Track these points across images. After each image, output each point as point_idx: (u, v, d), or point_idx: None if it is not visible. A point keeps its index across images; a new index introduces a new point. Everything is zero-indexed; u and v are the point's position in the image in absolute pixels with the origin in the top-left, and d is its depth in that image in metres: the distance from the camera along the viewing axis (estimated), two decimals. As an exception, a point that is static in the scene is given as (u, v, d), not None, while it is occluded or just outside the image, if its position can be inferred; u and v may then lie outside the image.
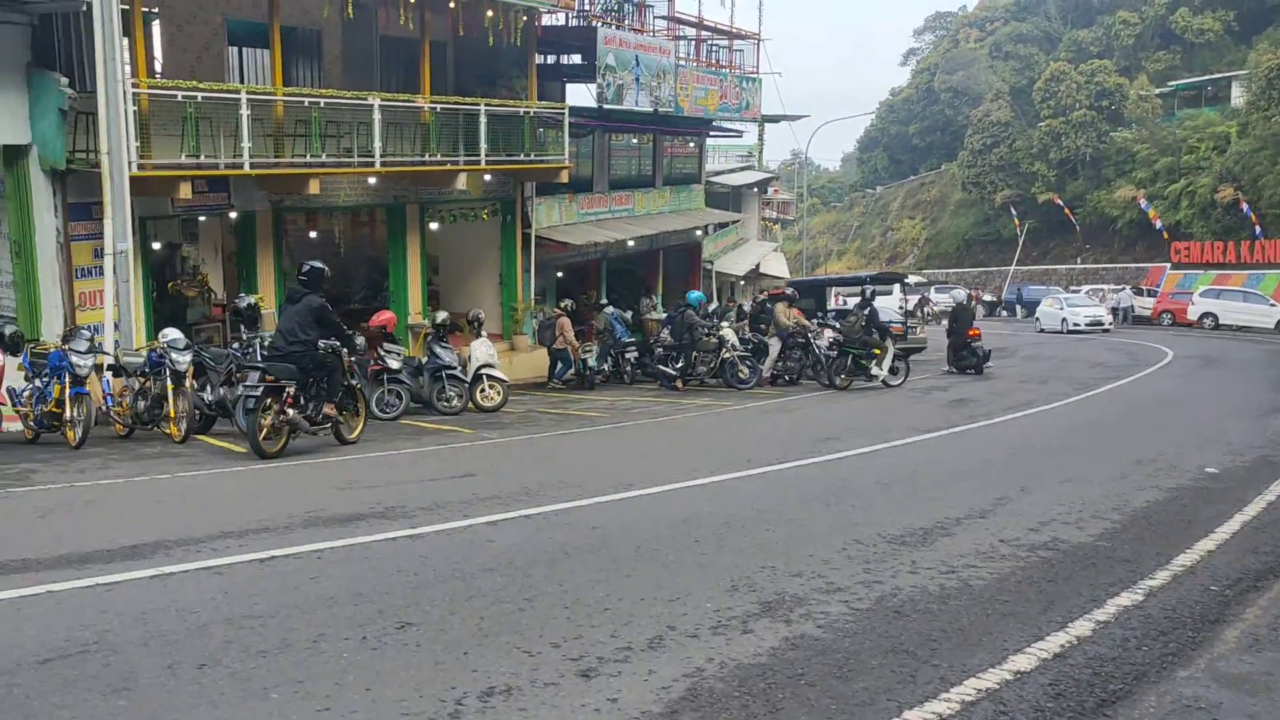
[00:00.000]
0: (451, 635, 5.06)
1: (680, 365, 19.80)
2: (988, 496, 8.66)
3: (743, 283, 33.40)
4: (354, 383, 12.12)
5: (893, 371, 19.38)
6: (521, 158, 20.59)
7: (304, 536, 7.12)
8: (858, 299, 20.59)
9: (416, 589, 5.87)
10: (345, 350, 11.60)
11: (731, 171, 42.35)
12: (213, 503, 8.61)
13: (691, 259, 31.64)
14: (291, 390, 10.94)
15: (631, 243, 26.16)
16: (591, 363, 20.65)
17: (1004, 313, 50.85)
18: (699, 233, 30.78)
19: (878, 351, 19.15)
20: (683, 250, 30.96)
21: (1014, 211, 57.21)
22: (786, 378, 20.22)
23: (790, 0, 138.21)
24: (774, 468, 10.29)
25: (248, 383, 10.84)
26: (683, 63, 27.64)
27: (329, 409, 11.49)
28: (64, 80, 13.93)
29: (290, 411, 10.96)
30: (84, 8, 13.31)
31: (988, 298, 51.56)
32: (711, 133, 32.42)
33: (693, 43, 29.72)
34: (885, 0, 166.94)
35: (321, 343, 11.13)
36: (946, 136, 74.46)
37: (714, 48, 30.81)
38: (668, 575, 6.20)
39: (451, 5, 18.89)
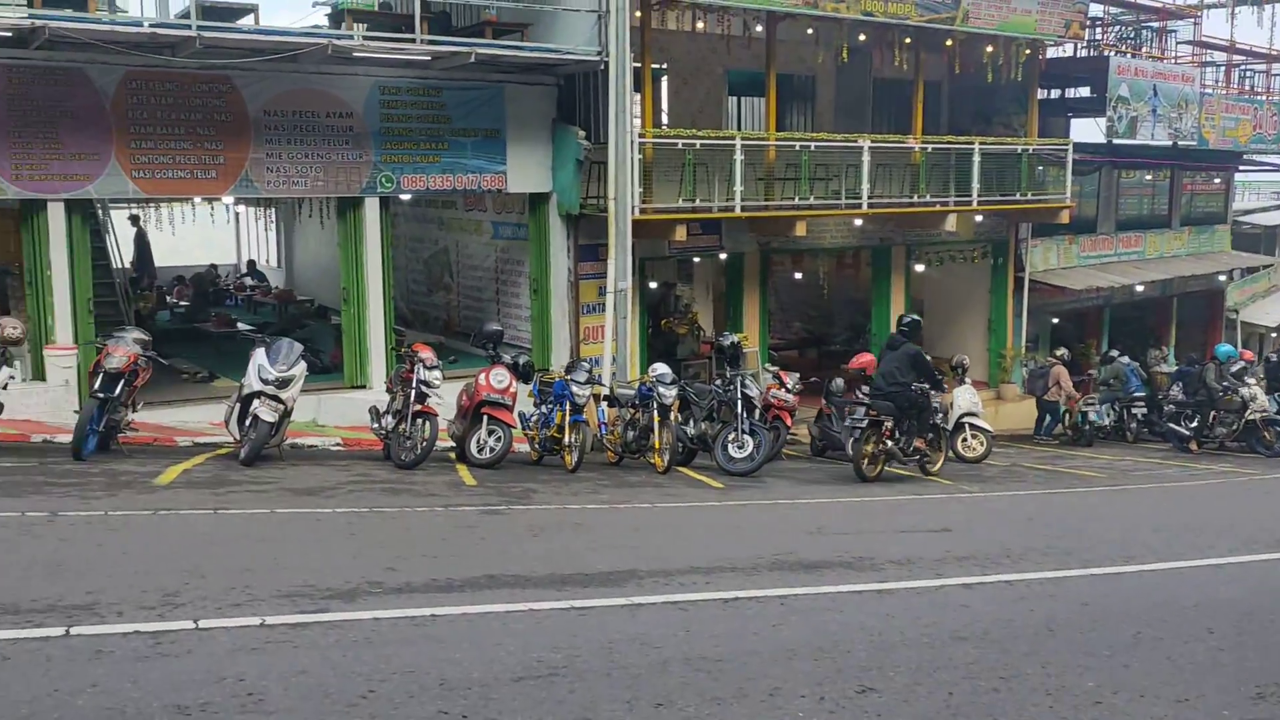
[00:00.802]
0: (916, 708, 4.62)
1: (1195, 425, 17.68)
2: None
3: (1275, 335, 29.34)
4: (939, 421, 13.47)
5: None
6: (1017, 197, 19.52)
7: (769, 580, 6.99)
8: None
9: (881, 650, 5.48)
10: (933, 392, 13.04)
11: (1265, 210, 37.50)
12: (686, 535, 8.78)
13: (1211, 307, 28.31)
14: (889, 425, 12.51)
15: (1140, 288, 23.88)
16: (1093, 417, 19.03)
17: None
18: (1222, 278, 27.49)
19: None
20: (1201, 297, 27.79)
21: None
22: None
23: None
24: (1313, 554, 8.68)
25: (854, 416, 12.71)
26: (1209, 90, 24.89)
27: (919, 443, 12.93)
28: (581, 133, 15.21)
29: (889, 443, 12.57)
30: (602, 68, 14.43)
31: None
32: (1241, 167, 28.89)
33: (1222, 68, 26.69)
34: None
35: (915, 385, 12.61)
36: None
37: (1248, 73, 27.45)
38: (1174, 671, 5.29)
39: (948, 44, 18.38)
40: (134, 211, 21.09)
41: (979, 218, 20.05)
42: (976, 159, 18.48)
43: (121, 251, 18.55)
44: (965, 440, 15.54)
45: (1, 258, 13.52)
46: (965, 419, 15.63)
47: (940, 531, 9.43)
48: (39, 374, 12.48)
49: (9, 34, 11.37)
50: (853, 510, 10.71)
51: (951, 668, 5.22)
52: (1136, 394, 19.47)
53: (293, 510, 8.47)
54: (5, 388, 10.44)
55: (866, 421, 12.45)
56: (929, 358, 13.36)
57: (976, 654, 5.47)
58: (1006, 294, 21.71)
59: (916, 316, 13.82)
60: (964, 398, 15.87)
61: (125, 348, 10.33)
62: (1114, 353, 20.82)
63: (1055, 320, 23.97)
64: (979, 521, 10.30)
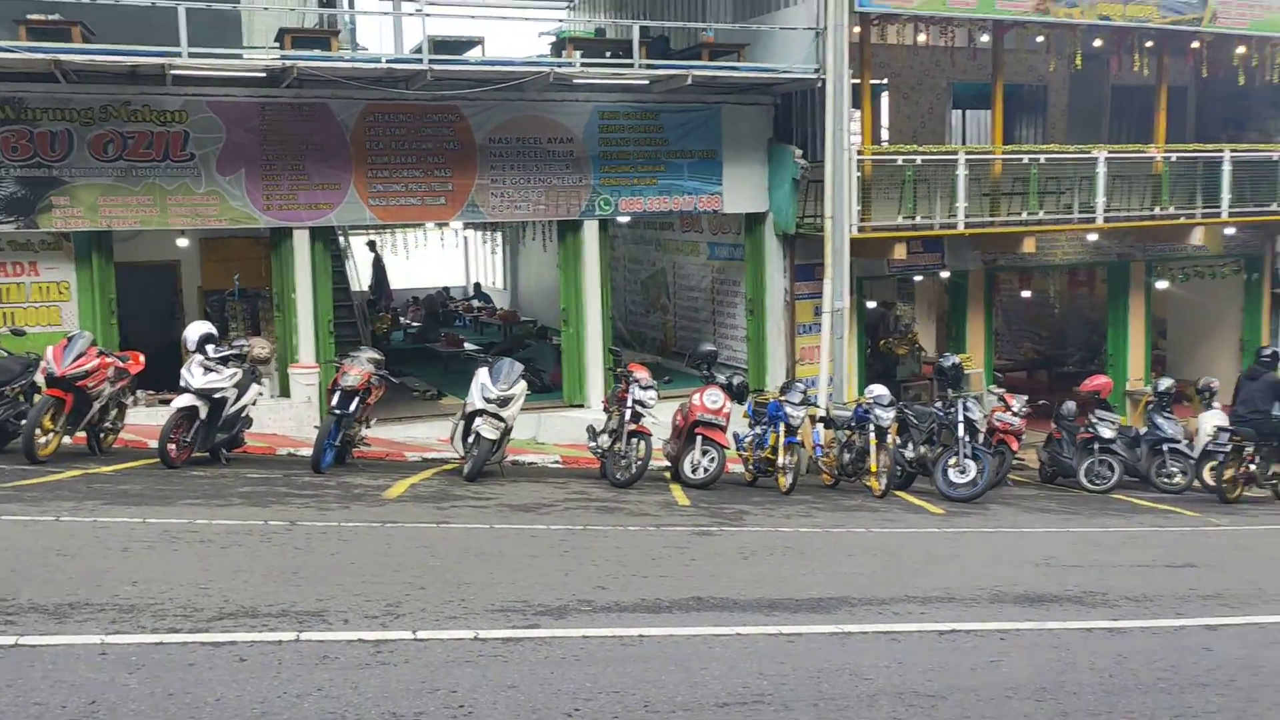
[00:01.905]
0: (1149, 762, 4.27)
1: None
2: None
3: None
4: None
5: None
6: (1274, 208, 18.03)
7: (989, 612, 6.66)
8: None
9: (1110, 694, 5.11)
10: None
11: None
12: (902, 563, 8.49)
13: None
14: (1250, 450, 13.10)
15: None
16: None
17: None
18: None
19: None
20: None
21: None
22: None
23: None
24: None
25: (1218, 440, 13.40)
26: None
27: (1278, 468, 13.63)
28: (798, 152, 15.07)
29: (1252, 468, 13.21)
30: (819, 85, 14.27)
31: None
32: None
33: None
34: None
35: (1275, 413, 13.32)
36: None
37: None
38: None
39: (1195, 46, 17.22)
40: (371, 237, 22.36)
41: (1229, 230, 18.64)
42: (1227, 167, 17.19)
43: (360, 275, 19.69)
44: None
45: (253, 282, 14.61)
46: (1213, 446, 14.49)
47: (1183, 567, 8.76)
48: (285, 391, 13.39)
49: (263, 74, 12.29)
50: (1084, 541, 10.09)
51: (1190, 716, 4.81)
52: None
53: (510, 526, 8.71)
54: (255, 403, 11.23)
55: (1230, 447, 13.14)
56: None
57: (1219, 702, 5.03)
58: (1262, 311, 20.05)
59: (1278, 349, 14.99)
60: (1211, 423, 14.70)
61: (360, 367, 10.93)
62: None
63: (1317, 340, 21.98)
64: (1228, 557, 9.51)
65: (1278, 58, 17.61)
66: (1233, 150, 17.38)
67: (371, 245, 22.90)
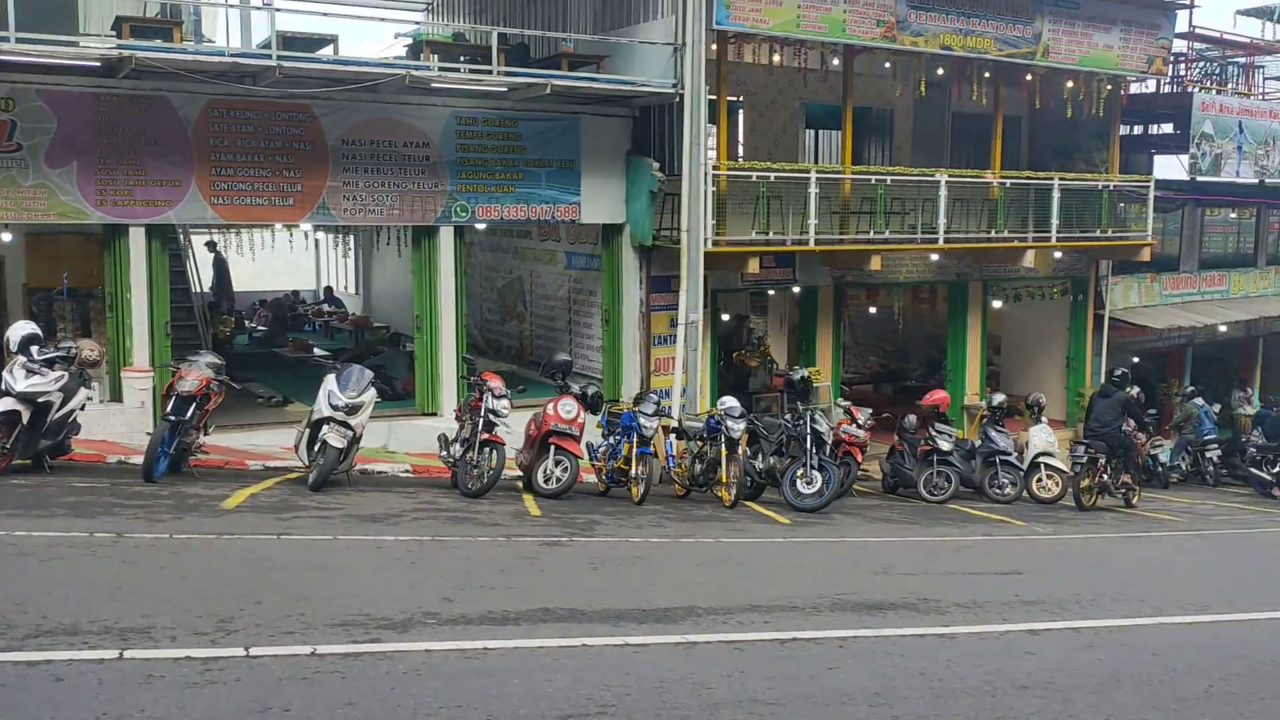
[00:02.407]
0: (975, 764, 4.44)
1: (1277, 470, 17.10)
2: None
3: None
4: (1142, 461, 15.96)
5: None
6: (1098, 234, 19.11)
7: (830, 620, 6.83)
8: None
9: (938, 697, 5.30)
10: (1142, 434, 15.52)
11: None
12: (748, 572, 8.63)
13: (1300, 349, 27.35)
14: (1102, 461, 14.35)
15: (1224, 328, 23.17)
16: (1163, 458, 18.47)
17: None
18: (1311, 319, 26.57)
19: None
20: (1290, 338, 26.88)
21: None
22: None
23: None
24: None
25: (1075, 453, 14.45)
26: (1299, 127, 24.15)
27: (1125, 478, 14.88)
28: (656, 165, 15.20)
29: (1104, 478, 14.46)
30: (677, 100, 14.44)
31: None
32: (1333, 205, 28.02)
33: (1313, 104, 25.87)
34: None
35: (1125, 428, 14.74)
36: None
37: (1341, 108, 26.58)
38: (1253, 733, 5.04)
39: (1028, 78, 18.11)
40: (211, 237, 21.54)
41: (1058, 254, 19.66)
42: (1056, 195, 18.14)
43: (201, 276, 18.96)
44: (1040, 480, 15.14)
45: (84, 281, 13.92)
46: (1040, 459, 15.23)
47: (1010, 574, 9.16)
48: (116, 395, 12.78)
49: (97, 64, 11.73)
50: (921, 550, 10.47)
51: (1012, 718, 5.02)
52: (1208, 437, 18.87)
53: (355, 537, 8.51)
54: (83, 408, 10.68)
55: (1086, 458, 14.24)
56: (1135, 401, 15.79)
57: (1038, 704, 5.27)
58: (1086, 332, 21.21)
59: (1126, 370, 16.06)
60: (1039, 437, 15.48)
61: (198, 371, 10.51)
62: (1190, 389, 20.27)
63: (1136, 359, 23.32)
64: (1050, 565, 9.99)
65: (1102, 92, 18.69)
66: (1061, 179, 18.36)
67: (211, 245, 22.05)
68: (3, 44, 10.88)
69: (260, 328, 22.04)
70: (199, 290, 18.02)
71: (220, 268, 21.85)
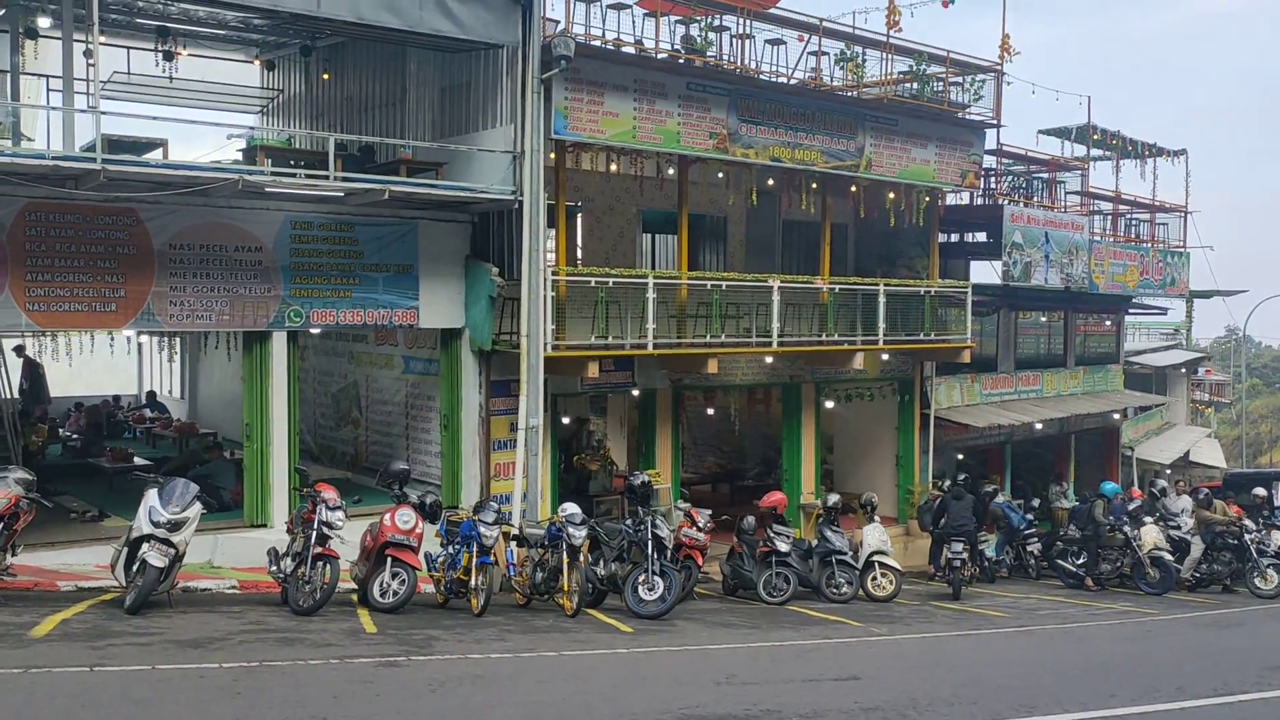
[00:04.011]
0: None
1: (1082, 562, 18.00)
2: None
3: (1169, 471, 30.17)
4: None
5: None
6: (921, 337, 20.05)
7: (674, 738, 6.78)
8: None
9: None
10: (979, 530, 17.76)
11: (1155, 351, 39.06)
12: (591, 688, 8.52)
13: (1108, 444, 29.11)
14: (965, 553, 16.35)
15: (1039, 425, 24.50)
16: (989, 553, 19.22)
17: None
18: (1116, 416, 28.37)
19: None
20: (1098, 434, 28.59)
21: None
22: (1221, 583, 17.78)
23: (1222, 168, 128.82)
24: (1211, 701, 8.69)
25: (954, 548, 16.28)
26: (1098, 238, 26.06)
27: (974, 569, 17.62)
28: (495, 270, 15.25)
29: (966, 570, 16.67)
30: (516, 206, 14.59)
31: None
32: (1131, 310, 30.21)
33: (1109, 217, 28.04)
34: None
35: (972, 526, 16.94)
36: None
37: (1134, 222, 28.86)
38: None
39: (853, 189, 19.05)
40: (19, 342, 20.38)
41: (885, 356, 20.49)
42: (882, 299, 18.98)
43: (10, 382, 17.90)
44: (875, 579, 15.54)
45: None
46: (875, 557, 15.65)
47: (849, 680, 9.31)
48: (-87, 513, 11.83)
49: (-97, 164, 11.12)
50: (763, 656, 10.54)
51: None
52: (1026, 530, 19.73)
53: (176, 666, 8.03)
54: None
55: (965, 551, 16.40)
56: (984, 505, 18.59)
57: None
58: (913, 430, 22.08)
59: (966, 475, 19.17)
60: (873, 535, 15.92)
61: (6, 489, 9.88)
62: (989, 490, 21.13)
63: (960, 456, 24.41)
64: (888, 668, 10.19)
65: (922, 203, 19.79)
66: (886, 284, 19.25)
67: (19, 350, 20.84)
68: None
69: (75, 435, 20.86)
70: (8, 397, 16.99)
71: (34, 372, 20.66)
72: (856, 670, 9.80)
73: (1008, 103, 20.50)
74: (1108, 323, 29.53)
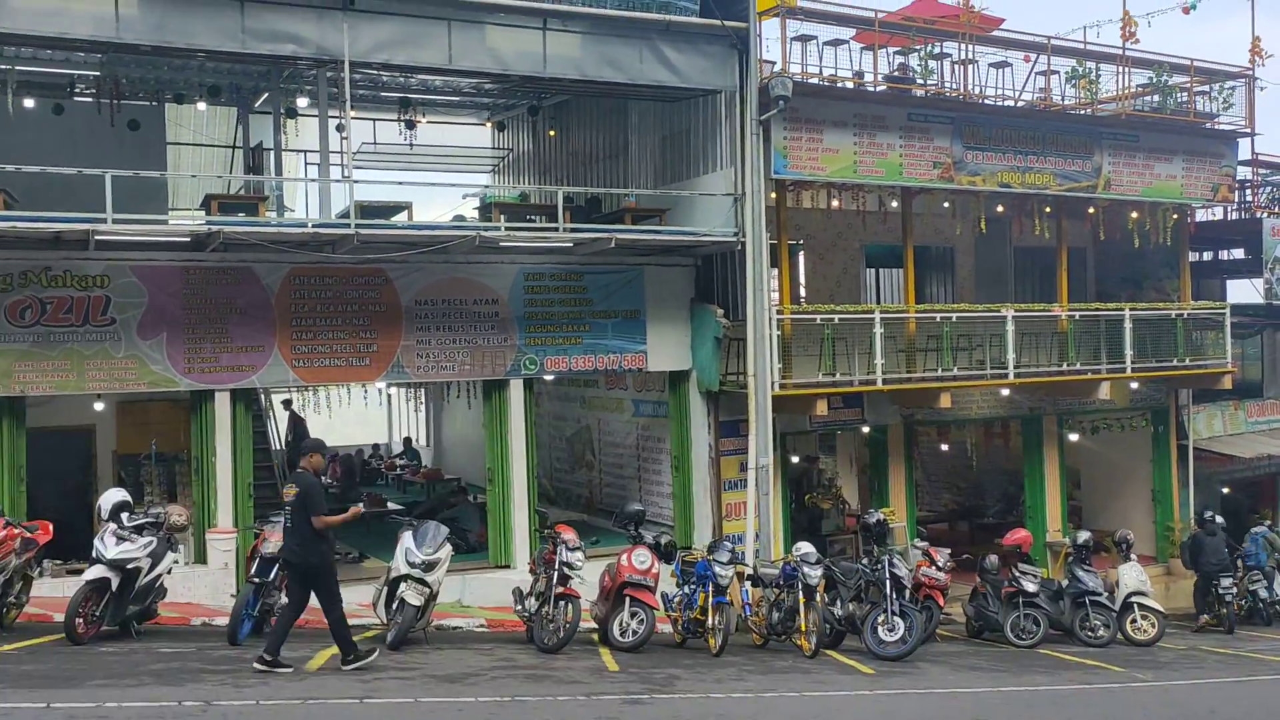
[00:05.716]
0: None
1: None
2: None
3: None
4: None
5: None
6: (1174, 363, 18.81)
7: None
8: None
9: None
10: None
11: None
12: (836, 729, 8.38)
13: (1398, 473, 26.37)
14: (1234, 588, 16.17)
15: (1315, 454, 22.50)
16: (1262, 594, 17.65)
17: None
18: None
19: None
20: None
21: None
22: None
23: None
24: None
25: (1223, 584, 15.89)
26: (1373, 247, 23.84)
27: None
28: (720, 311, 15.41)
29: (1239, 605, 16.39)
30: (739, 248, 14.72)
31: None
32: None
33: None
34: None
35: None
36: None
37: None
38: None
39: (1091, 211, 18.21)
40: (287, 396, 22.06)
41: (1134, 385, 19.35)
42: (1128, 325, 17.96)
43: (281, 433, 19.36)
44: (1135, 621, 14.58)
45: (170, 445, 14.31)
46: (1133, 598, 14.68)
47: (1112, 727, 8.79)
48: (200, 557, 12.98)
49: (188, 239, 12.32)
50: (1016, 701, 10.09)
51: None
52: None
53: (437, 699, 8.44)
54: (169, 572, 10.86)
55: (1235, 589, 16.07)
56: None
57: None
58: (1170, 463, 20.66)
59: (1209, 510, 17.46)
60: (1130, 575, 14.95)
61: (280, 533, 10.66)
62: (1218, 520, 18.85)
63: (1225, 489, 22.66)
64: (1156, 715, 9.55)
65: (1169, 221, 18.67)
66: (1133, 309, 18.20)
67: (287, 404, 22.57)
68: (101, 225, 11.49)
69: (334, 483, 22.32)
70: (279, 448, 18.39)
71: (297, 424, 22.29)
72: (1121, 718, 9.22)
73: (1262, 109, 19.23)
74: (1390, 339, 26.90)
